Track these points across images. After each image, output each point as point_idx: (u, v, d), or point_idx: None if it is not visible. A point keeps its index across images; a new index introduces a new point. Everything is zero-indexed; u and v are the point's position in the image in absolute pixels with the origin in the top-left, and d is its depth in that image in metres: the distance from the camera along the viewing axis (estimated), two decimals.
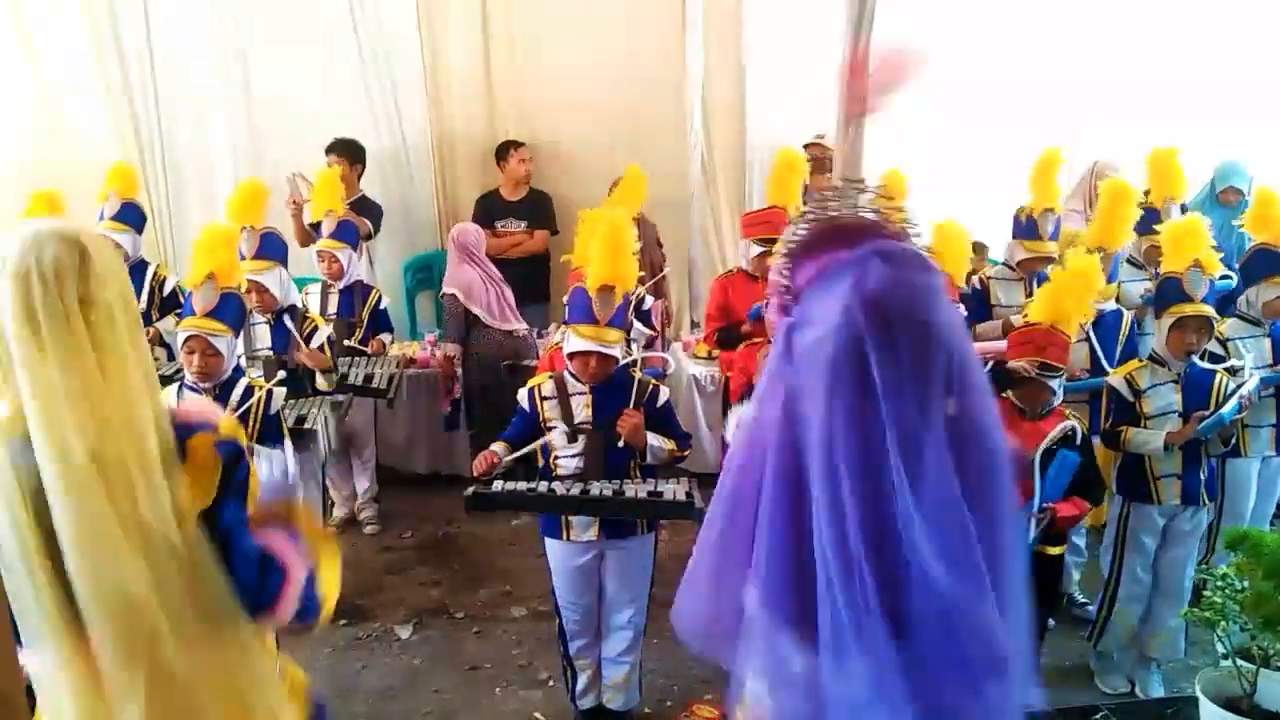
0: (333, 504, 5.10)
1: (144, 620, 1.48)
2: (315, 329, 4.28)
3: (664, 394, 3.31)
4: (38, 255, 1.48)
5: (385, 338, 4.95)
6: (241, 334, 4.16)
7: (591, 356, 3.14)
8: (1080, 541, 4.27)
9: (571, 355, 3.19)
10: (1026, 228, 4.53)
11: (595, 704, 3.50)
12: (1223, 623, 2.28)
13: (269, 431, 3.37)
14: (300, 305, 4.46)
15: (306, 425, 3.87)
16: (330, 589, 1.79)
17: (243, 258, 4.12)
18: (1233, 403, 3.39)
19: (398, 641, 4.15)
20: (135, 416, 1.50)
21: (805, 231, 1.37)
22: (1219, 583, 2.29)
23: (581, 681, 3.47)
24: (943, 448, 1.29)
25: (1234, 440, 3.61)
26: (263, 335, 4.28)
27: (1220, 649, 2.41)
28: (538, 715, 3.65)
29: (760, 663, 1.42)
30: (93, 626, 1.47)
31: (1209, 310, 3.53)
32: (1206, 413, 3.42)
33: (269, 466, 3.33)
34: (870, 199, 1.39)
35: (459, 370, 5.20)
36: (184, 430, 1.59)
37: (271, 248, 4.26)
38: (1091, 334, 4.02)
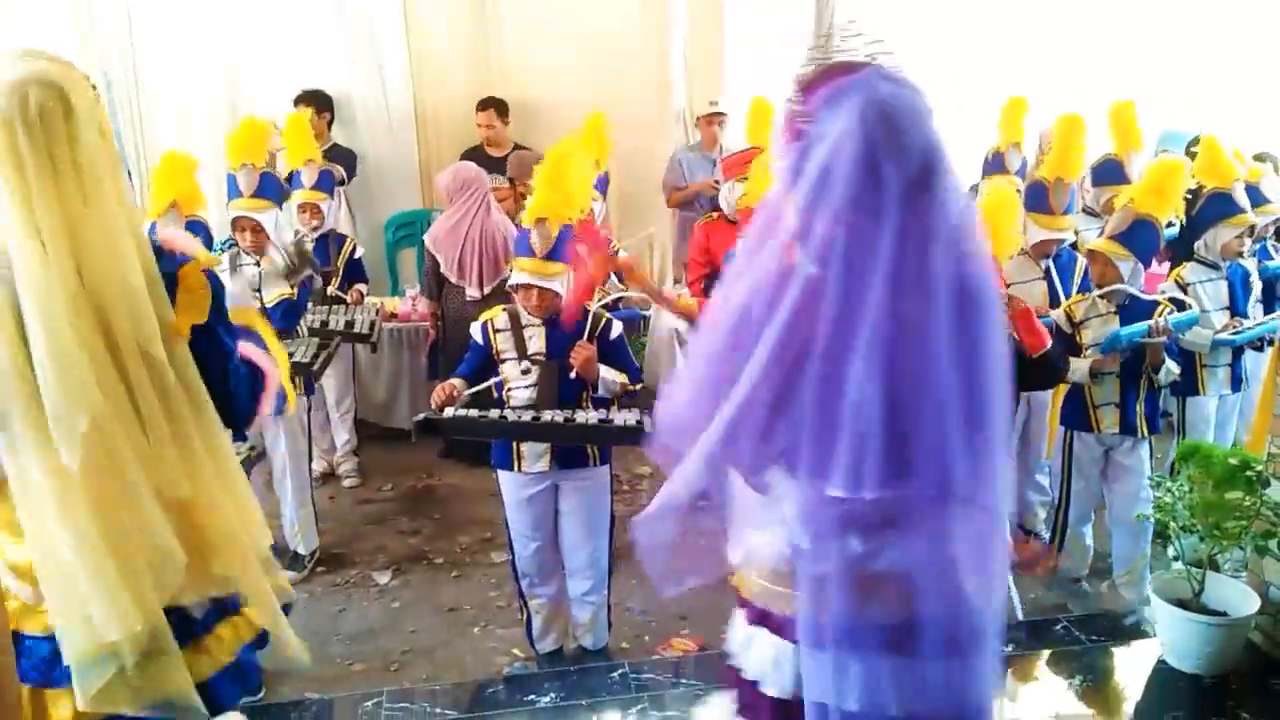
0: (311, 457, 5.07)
1: (104, 439, 1.56)
2: None
3: (617, 327, 3.28)
4: (22, 102, 1.51)
5: (361, 287, 4.92)
6: (230, 275, 4.16)
7: (533, 290, 3.13)
8: (1044, 480, 4.33)
9: (515, 288, 3.20)
10: (993, 164, 4.62)
11: (556, 647, 3.50)
12: (1172, 523, 2.33)
13: None
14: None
15: (296, 359, 3.85)
16: (286, 380, 2.01)
17: (240, 195, 4.04)
18: (1137, 327, 3.40)
19: (376, 587, 4.16)
20: (120, 250, 1.57)
21: (812, 67, 1.47)
22: (1169, 484, 2.34)
23: (537, 623, 3.47)
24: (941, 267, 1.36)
25: (1180, 375, 3.63)
26: (251, 277, 4.08)
27: (1171, 552, 2.46)
28: (515, 651, 3.66)
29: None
30: (59, 441, 1.54)
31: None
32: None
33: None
34: (866, 42, 1.48)
35: (440, 322, 5.08)
36: (174, 260, 1.69)
37: (269, 188, 4.13)
38: (1053, 270, 4.06)
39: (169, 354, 1.64)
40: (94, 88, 1.66)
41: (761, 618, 1.61)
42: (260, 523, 1.86)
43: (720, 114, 5.80)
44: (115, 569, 1.59)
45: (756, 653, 1.62)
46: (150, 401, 1.61)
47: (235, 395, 1.80)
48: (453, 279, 4.83)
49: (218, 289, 1.76)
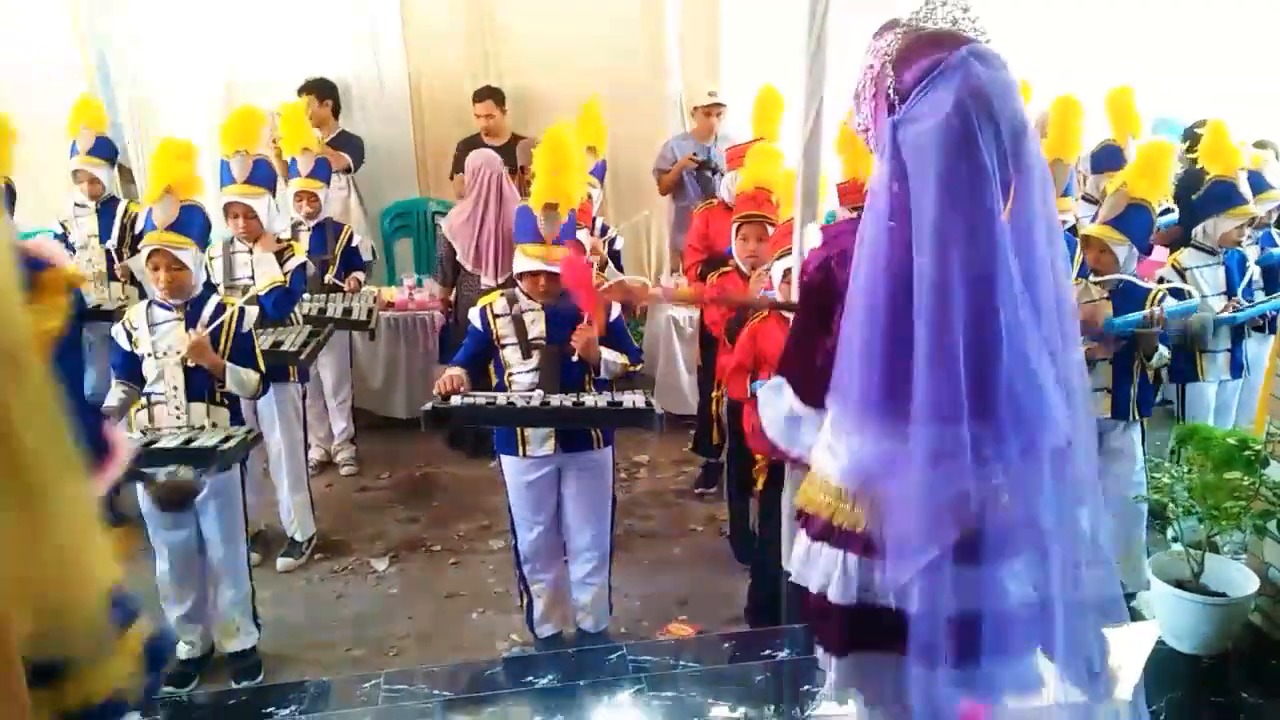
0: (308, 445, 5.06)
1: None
2: (292, 254, 4.20)
3: (616, 309, 3.29)
4: None
5: (359, 275, 4.88)
6: (223, 263, 4.15)
7: (540, 276, 3.13)
8: None
9: (521, 275, 3.19)
10: None
11: (556, 631, 3.50)
12: (1171, 505, 2.32)
13: (241, 350, 3.32)
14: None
15: (284, 348, 3.85)
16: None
17: (233, 181, 4.09)
18: (1131, 316, 3.39)
19: (374, 574, 4.16)
20: None
21: (900, 41, 1.53)
22: (1168, 465, 2.33)
23: (539, 608, 3.46)
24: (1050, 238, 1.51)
25: (1181, 361, 3.66)
26: (243, 264, 4.16)
27: (1170, 534, 2.46)
28: (514, 637, 3.66)
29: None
30: None
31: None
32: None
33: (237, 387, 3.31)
34: (948, 10, 1.57)
35: (452, 309, 5.05)
36: (35, 263, 1.55)
37: (262, 175, 4.17)
38: None
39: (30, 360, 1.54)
40: None
41: (825, 532, 1.70)
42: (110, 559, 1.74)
43: (719, 104, 5.77)
44: None
45: (822, 566, 1.71)
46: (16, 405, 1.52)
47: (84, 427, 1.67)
48: (469, 267, 4.80)
49: (80, 305, 1.64)
